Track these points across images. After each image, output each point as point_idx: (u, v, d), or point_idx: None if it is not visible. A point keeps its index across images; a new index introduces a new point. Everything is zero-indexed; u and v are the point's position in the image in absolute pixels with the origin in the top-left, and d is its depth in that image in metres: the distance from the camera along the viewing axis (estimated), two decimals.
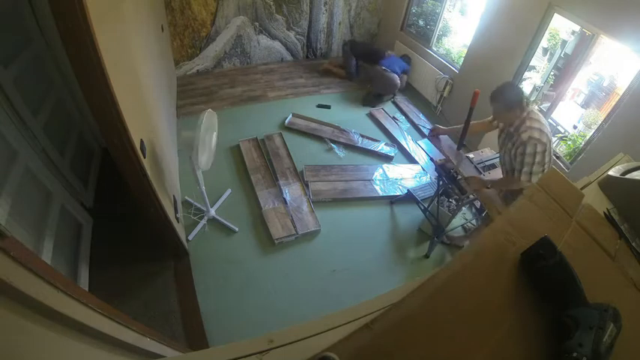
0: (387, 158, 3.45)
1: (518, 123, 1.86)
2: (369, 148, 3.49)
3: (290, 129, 3.59)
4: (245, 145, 3.27)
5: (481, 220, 2.79)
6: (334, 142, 3.50)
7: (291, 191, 2.87)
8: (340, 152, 3.40)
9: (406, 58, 4.40)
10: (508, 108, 1.83)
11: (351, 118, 3.93)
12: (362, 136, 3.60)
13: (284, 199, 2.78)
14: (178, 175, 2.81)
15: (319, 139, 3.53)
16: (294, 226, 2.59)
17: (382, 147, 3.52)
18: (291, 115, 3.71)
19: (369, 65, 4.29)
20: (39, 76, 2.08)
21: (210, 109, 2.09)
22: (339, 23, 4.79)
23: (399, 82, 4.13)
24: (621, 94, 2.49)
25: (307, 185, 2.94)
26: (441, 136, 2.46)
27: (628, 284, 0.80)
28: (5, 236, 0.59)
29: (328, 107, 4.01)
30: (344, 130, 3.63)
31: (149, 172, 1.69)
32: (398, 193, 3.03)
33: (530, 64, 3.21)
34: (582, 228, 0.87)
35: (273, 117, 3.74)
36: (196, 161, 2.04)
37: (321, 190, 2.94)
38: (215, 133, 2.22)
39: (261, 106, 3.89)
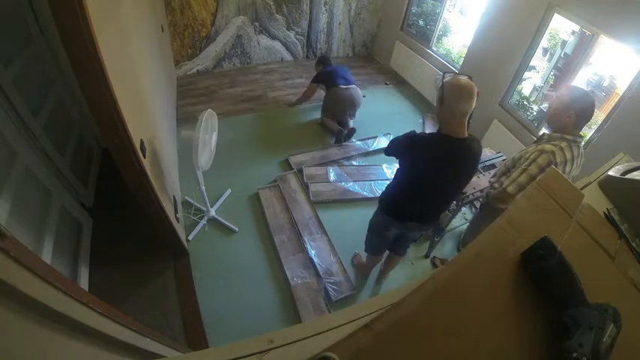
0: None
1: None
2: (369, 148, 3.48)
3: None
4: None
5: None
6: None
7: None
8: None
9: (326, 60, 3.66)
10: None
11: None
12: (360, 140, 3.56)
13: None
14: (178, 175, 2.81)
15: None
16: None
17: (380, 141, 3.51)
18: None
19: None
20: (39, 76, 2.08)
21: (210, 109, 2.09)
22: (339, 23, 4.80)
23: None
24: (621, 94, 2.49)
25: (307, 186, 2.93)
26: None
27: (628, 284, 0.80)
28: (5, 236, 0.59)
29: None
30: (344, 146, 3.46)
31: (149, 172, 1.69)
32: None
33: (530, 64, 3.21)
34: (582, 228, 0.87)
35: (273, 117, 3.74)
36: (196, 161, 2.04)
37: (321, 190, 2.93)
38: (215, 133, 2.22)
39: (261, 106, 3.89)
